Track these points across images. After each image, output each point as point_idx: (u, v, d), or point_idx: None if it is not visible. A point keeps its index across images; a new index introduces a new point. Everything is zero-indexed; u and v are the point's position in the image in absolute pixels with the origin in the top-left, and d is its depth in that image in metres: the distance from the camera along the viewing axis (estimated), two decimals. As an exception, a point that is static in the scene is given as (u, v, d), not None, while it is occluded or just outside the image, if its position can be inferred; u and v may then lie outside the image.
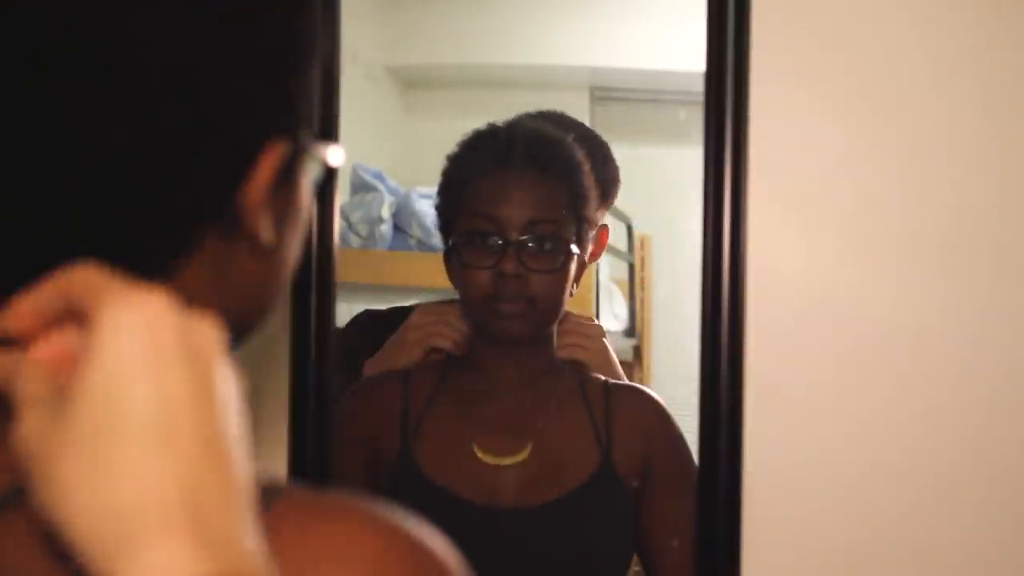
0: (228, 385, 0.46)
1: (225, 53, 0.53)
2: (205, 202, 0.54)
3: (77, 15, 0.50)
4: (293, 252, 0.61)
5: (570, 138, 1.41)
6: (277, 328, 1.22)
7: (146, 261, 0.53)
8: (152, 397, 0.43)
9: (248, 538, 0.43)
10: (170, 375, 0.44)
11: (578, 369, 1.42)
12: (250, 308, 0.60)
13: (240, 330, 0.60)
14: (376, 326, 1.57)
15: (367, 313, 1.62)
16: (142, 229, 0.53)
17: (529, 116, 1.62)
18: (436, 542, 0.53)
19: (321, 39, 0.59)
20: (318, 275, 1.21)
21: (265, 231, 0.56)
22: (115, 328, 0.44)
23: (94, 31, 0.50)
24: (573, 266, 1.34)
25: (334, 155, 0.60)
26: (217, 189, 0.54)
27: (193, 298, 0.55)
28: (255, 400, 1.25)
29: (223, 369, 0.47)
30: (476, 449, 1.34)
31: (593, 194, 1.39)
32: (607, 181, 1.57)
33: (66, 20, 0.50)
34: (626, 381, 1.46)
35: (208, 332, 0.47)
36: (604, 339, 1.48)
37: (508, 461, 1.34)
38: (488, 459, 1.34)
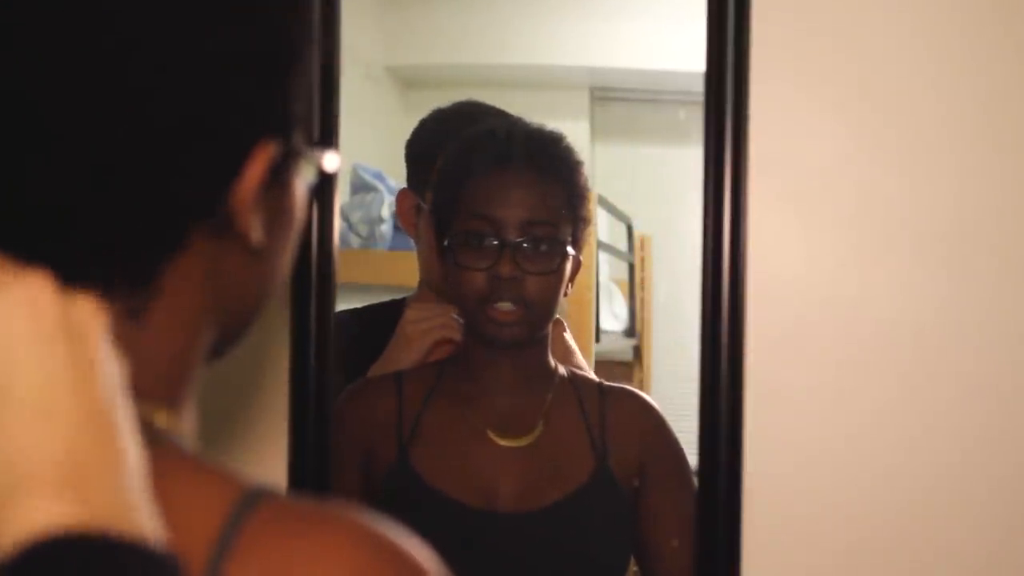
0: (109, 363, 0.49)
1: (216, 53, 0.53)
2: (194, 202, 0.54)
3: (67, 14, 0.50)
4: (286, 253, 0.61)
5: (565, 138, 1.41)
6: (277, 329, 1.22)
7: (134, 260, 0.53)
8: (34, 373, 0.46)
9: (127, 499, 0.46)
10: (50, 353, 0.47)
11: (572, 371, 1.42)
12: (241, 308, 0.60)
13: (231, 330, 0.61)
14: (354, 325, 1.57)
15: (345, 313, 1.61)
16: (130, 228, 0.52)
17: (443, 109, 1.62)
18: (421, 554, 0.52)
19: (317, 39, 0.59)
20: (318, 275, 1.21)
21: (255, 231, 0.56)
22: None
23: (83, 30, 0.50)
24: (568, 267, 1.34)
25: (329, 159, 0.60)
26: (206, 189, 0.54)
27: (182, 297, 0.55)
28: (255, 400, 1.25)
29: (104, 347, 0.49)
30: (490, 433, 1.34)
31: (590, 195, 1.39)
32: None
33: (55, 19, 0.50)
34: (596, 381, 1.46)
35: (88, 311, 0.49)
36: (564, 332, 1.49)
37: (523, 442, 1.34)
38: (504, 441, 1.34)
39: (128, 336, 0.53)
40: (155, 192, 0.52)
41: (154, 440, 0.52)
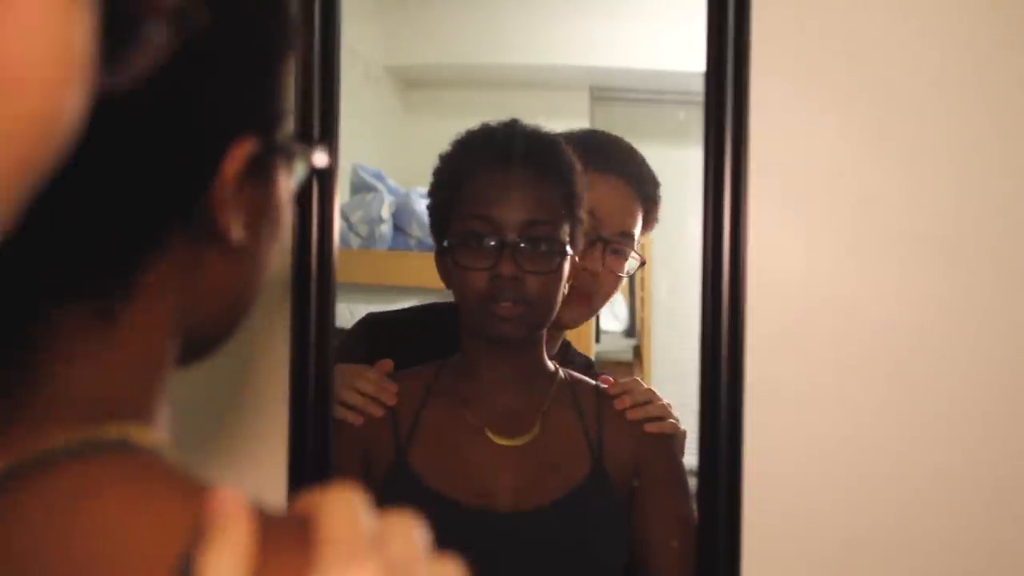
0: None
1: (191, 50, 0.52)
2: (170, 199, 0.52)
3: None
4: (270, 252, 0.59)
5: (566, 142, 1.40)
6: (277, 328, 1.21)
7: (108, 260, 0.51)
8: None
9: None
10: None
11: (570, 373, 1.42)
12: (220, 310, 0.58)
13: (211, 333, 0.59)
14: (381, 329, 1.56)
15: (371, 316, 1.60)
16: (105, 233, 0.51)
17: (582, 131, 1.61)
18: None
19: (296, 36, 0.58)
20: (318, 275, 1.21)
21: (235, 230, 0.54)
22: None
23: None
24: (567, 266, 1.34)
25: (318, 155, 0.59)
26: (183, 186, 0.52)
27: (159, 299, 0.53)
28: (255, 401, 1.25)
29: None
30: (488, 432, 1.34)
31: (587, 195, 1.39)
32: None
33: None
34: (594, 383, 1.45)
35: None
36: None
37: (521, 441, 1.34)
38: (502, 441, 1.34)
39: (99, 340, 0.52)
40: (129, 189, 0.51)
41: (126, 457, 0.50)
